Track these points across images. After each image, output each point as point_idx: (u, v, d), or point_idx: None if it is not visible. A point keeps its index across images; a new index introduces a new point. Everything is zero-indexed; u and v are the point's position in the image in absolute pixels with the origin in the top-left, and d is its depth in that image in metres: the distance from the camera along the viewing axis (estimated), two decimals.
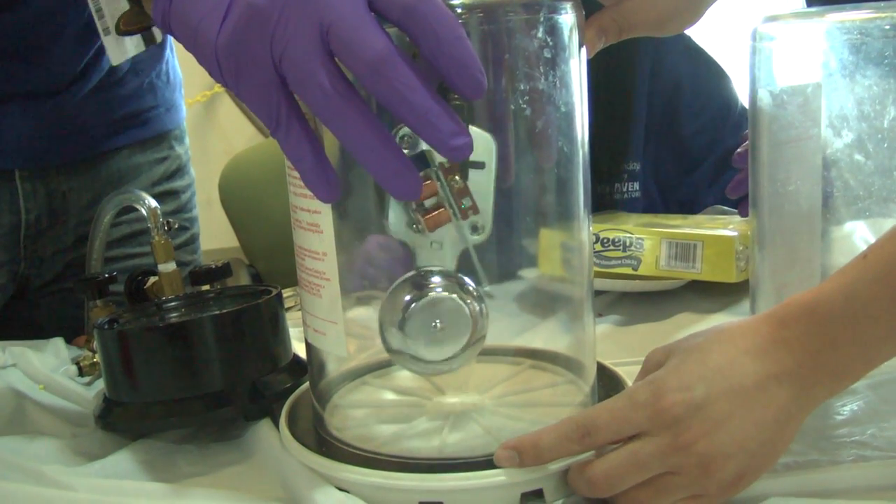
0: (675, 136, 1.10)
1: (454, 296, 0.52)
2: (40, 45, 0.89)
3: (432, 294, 0.52)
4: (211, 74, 0.49)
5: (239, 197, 1.65)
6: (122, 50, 0.59)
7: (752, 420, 0.48)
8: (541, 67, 0.53)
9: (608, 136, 1.06)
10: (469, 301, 0.53)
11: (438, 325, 0.52)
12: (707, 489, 0.49)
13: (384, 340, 0.53)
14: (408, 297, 0.52)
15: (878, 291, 0.48)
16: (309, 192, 0.53)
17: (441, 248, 0.54)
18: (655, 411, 0.49)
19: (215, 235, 1.78)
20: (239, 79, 0.47)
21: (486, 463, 0.51)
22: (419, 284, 0.53)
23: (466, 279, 0.54)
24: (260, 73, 0.46)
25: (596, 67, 1.01)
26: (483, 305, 0.54)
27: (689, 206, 1.11)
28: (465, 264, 0.55)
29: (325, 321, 0.55)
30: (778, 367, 0.49)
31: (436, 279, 0.53)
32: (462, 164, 0.53)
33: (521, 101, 0.54)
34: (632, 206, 1.08)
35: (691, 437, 0.48)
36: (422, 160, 0.52)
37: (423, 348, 0.52)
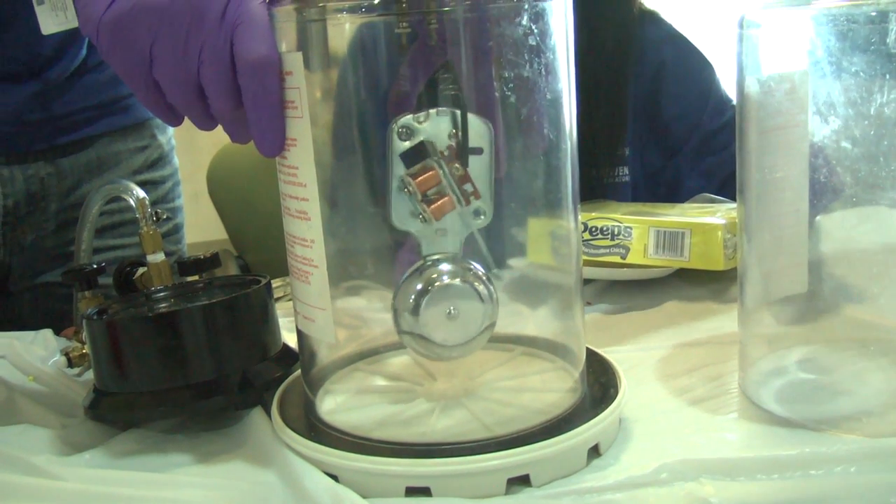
0: (658, 120, 1.11)
1: (469, 283, 0.53)
2: (7, 18, 0.87)
3: (447, 281, 0.53)
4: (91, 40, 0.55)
5: (227, 188, 1.65)
6: (53, 21, 0.60)
7: None
8: (526, 55, 0.54)
9: (602, 122, 1.07)
10: (481, 287, 0.54)
11: (453, 311, 0.53)
12: None
13: (398, 326, 0.54)
14: (421, 285, 0.53)
15: None
16: (298, 180, 0.54)
17: (446, 234, 0.55)
18: None
19: (203, 228, 1.78)
20: (111, 54, 0.54)
21: (474, 448, 0.51)
22: (433, 272, 0.54)
23: (476, 265, 0.55)
24: (134, 55, 0.53)
25: (587, 53, 1.01)
26: (493, 290, 0.55)
27: (673, 190, 1.11)
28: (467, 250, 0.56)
29: (314, 308, 0.55)
30: None
31: (448, 266, 0.54)
32: (461, 150, 0.54)
33: (506, 90, 0.54)
34: (622, 191, 1.08)
35: None
36: (422, 150, 0.53)
37: (438, 334, 0.53)
